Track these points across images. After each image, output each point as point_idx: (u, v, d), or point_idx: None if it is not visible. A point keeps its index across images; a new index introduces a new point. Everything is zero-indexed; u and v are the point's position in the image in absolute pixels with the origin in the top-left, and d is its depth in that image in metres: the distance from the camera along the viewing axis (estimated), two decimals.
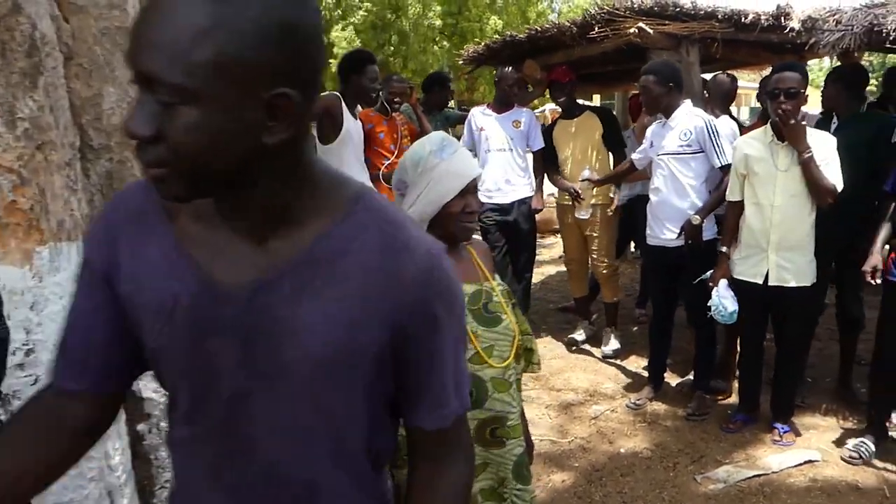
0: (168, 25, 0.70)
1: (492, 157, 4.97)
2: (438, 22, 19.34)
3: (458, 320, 0.94)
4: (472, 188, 1.68)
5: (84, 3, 2.13)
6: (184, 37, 0.69)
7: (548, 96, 5.35)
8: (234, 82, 0.71)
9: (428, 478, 0.98)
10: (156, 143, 0.75)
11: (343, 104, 4.26)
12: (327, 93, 4.38)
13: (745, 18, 4.30)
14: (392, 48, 18.53)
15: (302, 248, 0.86)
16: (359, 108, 4.52)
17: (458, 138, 3.21)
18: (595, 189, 4.69)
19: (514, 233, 5.00)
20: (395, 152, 4.72)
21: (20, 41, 1.89)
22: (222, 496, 0.91)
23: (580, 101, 5.41)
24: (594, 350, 5.09)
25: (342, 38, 17.49)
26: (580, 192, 4.68)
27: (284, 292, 0.85)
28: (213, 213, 0.87)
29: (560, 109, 5.18)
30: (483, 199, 4.84)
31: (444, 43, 19.57)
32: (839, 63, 4.43)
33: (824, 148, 3.24)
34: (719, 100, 4.68)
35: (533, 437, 2.02)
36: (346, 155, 4.28)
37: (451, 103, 7.33)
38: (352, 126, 4.31)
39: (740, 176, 3.46)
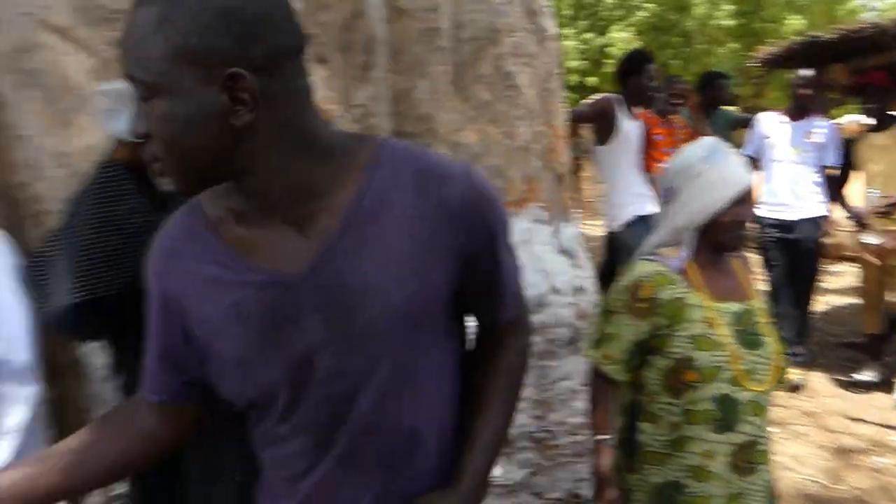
0: (132, 31, 0.79)
1: (778, 167, 4.57)
2: (729, 22, 18.09)
3: (504, 219, 0.99)
4: (744, 197, 1.59)
5: (407, 7, 2.40)
6: (141, 38, 0.78)
7: (842, 107, 4.74)
8: (187, 70, 0.78)
9: (490, 355, 1.06)
10: (148, 139, 0.84)
11: (621, 106, 4.23)
12: (604, 94, 4.39)
13: None
14: (673, 50, 17.77)
15: (341, 214, 0.89)
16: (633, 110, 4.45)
17: (738, 144, 3.01)
18: None
19: (796, 253, 4.54)
20: (672, 156, 4.56)
21: (360, 41, 2.20)
22: (334, 466, 0.96)
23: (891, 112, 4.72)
24: (884, 396, 4.44)
25: (620, 40, 17.22)
26: (872, 212, 4.10)
27: (342, 260, 0.88)
28: (252, 214, 0.91)
29: (864, 122, 4.57)
30: (765, 213, 4.47)
31: (733, 44, 18.24)
32: None
33: None
34: None
35: (800, 476, 1.84)
36: (620, 157, 4.26)
37: (733, 108, 6.86)
38: (629, 128, 4.27)
39: None
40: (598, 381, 1.69)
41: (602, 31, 16.79)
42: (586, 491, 2.80)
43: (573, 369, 2.76)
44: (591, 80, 16.26)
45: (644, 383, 1.64)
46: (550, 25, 2.81)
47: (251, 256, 0.90)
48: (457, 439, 1.01)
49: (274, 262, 0.90)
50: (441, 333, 0.97)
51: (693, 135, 4.78)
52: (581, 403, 2.77)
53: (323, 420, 0.94)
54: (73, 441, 1.01)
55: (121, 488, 2.17)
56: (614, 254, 4.19)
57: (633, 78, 4.19)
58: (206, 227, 0.93)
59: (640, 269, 1.63)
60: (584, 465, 2.81)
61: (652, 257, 1.67)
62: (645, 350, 1.62)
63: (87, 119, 1.91)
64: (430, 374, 0.97)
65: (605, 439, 1.67)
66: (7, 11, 1.81)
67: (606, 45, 16.70)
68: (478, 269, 0.96)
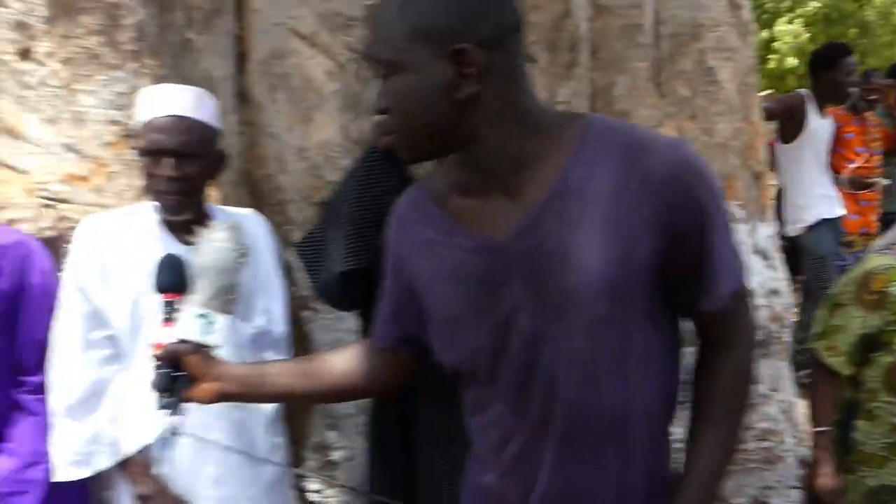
0: (378, 17, 0.91)
1: None
2: None
3: (719, 200, 0.95)
4: None
5: (609, 4, 2.44)
6: (385, 21, 0.89)
7: None
8: (421, 47, 0.86)
9: (710, 362, 1.00)
10: (387, 114, 0.93)
11: (811, 102, 4.02)
12: (793, 92, 4.19)
13: None
14: (849, 42, 16.36)
15: (548, 185, 0.92)
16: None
17: None
18: None
19: None
20: (864, 156, 4.25)
21: (566, 39, 2.27)
22: (530, 437, 0.98)
23: None
24: None
25: (787, 33, 16.12)
26: None
27: (547, 228, 0.91)
28: (470, 184, 0.97)
29: None
30: None
31: None
32: None
33: None
34: None
35: None
36: (804, 155, 4.05)
37: None
38: (818, 126, 4.04)
39: None
40: (821, 374, 1.67)
41: (767, 25, 15.79)
42: (775, 500, 2.71)
43: (764, 373, 2.67)
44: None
45: (864, 380, 1.62)
46: (750, 19, 2.74)
47: (466, 223, 0.97)
48: (662, 438, 1.01)
49: (486, 228, 0.96)
50: (643, 315, 0.95)
51: (890, 135, 4.44)
52: (772, 408, 2.68)
53: (521, 386, 0.96)
54: (309, 358, 1.22)
55: (336, 454, 2.39)
56: (792, 260, 3.97)
57: (827, 73, 3.96)
58: (430, 199, 1.02)
59: (873, 261, 1.62)
60: (772, 472, 2.72)
61: (887, 251, 1.64)
62: (869, 346, 1.59)
63: (324, 117, 2.13)
64: (631, 355, 0.95)
65: (824, 431, 1.66)
66: (264, 23, 2.06)
67: (772, 40, 15.69)
68: (685, 248, 0.92)
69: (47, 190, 1.73)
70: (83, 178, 1.75)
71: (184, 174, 1.46)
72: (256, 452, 1.59)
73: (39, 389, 1.55)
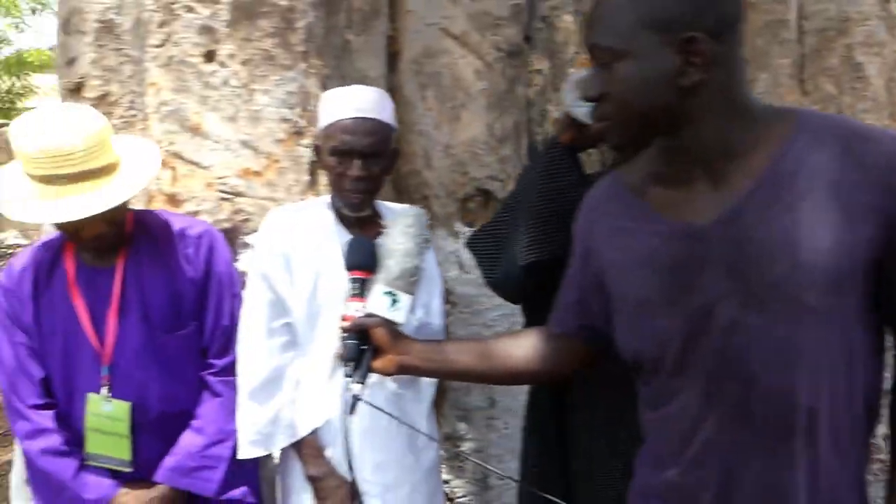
0: (604, 6, 0.94)
1: None
2: None
3: None
4: None
5: (753, 0, 2.39)
6: (612, 10, 0.92)
7: None
8: (650, 35, 0.89)
9: None
10: (601, 102, 0.96)
11: None
12: None
13: None
14: None
15: (757, 174, 0.92)
16: None
17: None
18: None
19: None
20: None
21: None
22: (721, 425, 0.96)
23: None
24: None
25: None
26: None
27: (754, 215, 0.91)
28: (669, 172, 0.99)
29: None
30: None
31: None
32: None
33: None
34: None
35: None
36: None
37: None
38: None
39: None
40: None
41: None
42: None
43: None
44: None
45: None
46: None
47: (664, 210, 0.99)
48: (861, 445, 0.97)
49: (684, 214, 0.97)
50: (852, 310, 0.91)
51: None
52: None
53: (713, 375, 0.95)
54: (485, 339, 1.29)
55: (466, 444, 2.43)
56: None
57: None
58: (625, 189, 1.06)
59: None
60: None
61: None
62: None
63: (471, 115, 2.18)
64: (835, 351, 0.91)
65: None
66: (418, 23, 2.12)
67: None
68: None
69: (225, 184, 1.84)
70: (257, 173, 1.85)
71: (369, 173, 1.52)
72: (417, 440, 1.65)
73: (225, 372, 1.64)
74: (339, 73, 2.00)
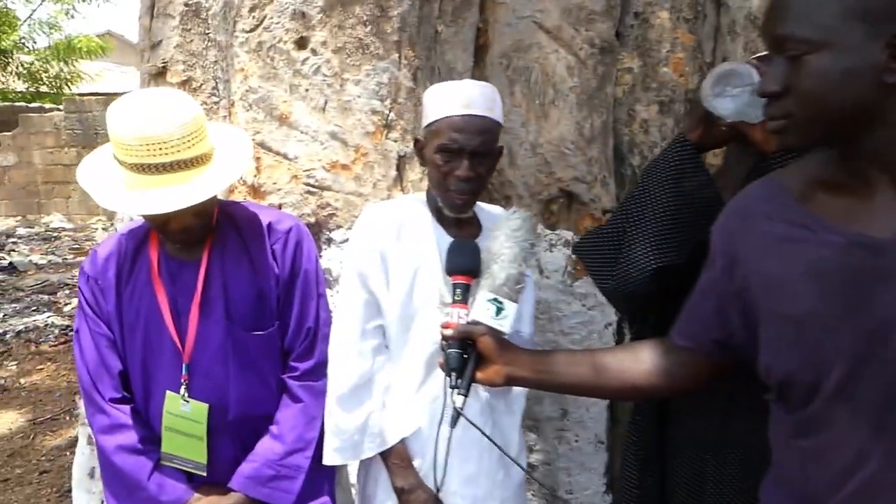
0: None
1: None
2: None
3: None
4: None
5: None
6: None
7: None
8: (855, 27, 0.82)
9: None
10: (781, 98, 0.88)
11: None
12: None
13: None
14: None
15: None
16: None
17: None
18: None
19: None
20: None
21: None
22: (887, 461, 0.88)
23: None
24: None
25: None
26: None
27: None
28: (849, 184, 0.91)
29: None
30: None
31: None
32: None
33: None
34: None
35: None
36: None
37: None
38: None
39: None
40: None
41: None
42: None
43: None
44: None
45: None
46: None
47: (833, 219, 0.91)
48: None
49: (860, 225, 0.89)
50: None
51: None
52: None
53: (884, 407, 0.87)
54: (593, 351, 1.22)
55: (534, 456, 2.34)
56: None
57: None
58: (785, 194, 0.97)
59: None
60: None
61: None
62: None
63: (560, 113, 2.08)
64: None
65: None
66: (509, 16, 2.03)
67: None
68: None
69: (312, 177, 1.76)
70: (345, 167, 1.78)
71: (476, 173, 1.44)
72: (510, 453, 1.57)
73: (307, 376, 1.57)
74: (429, 66, 1.92)
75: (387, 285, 1.50)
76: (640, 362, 1.16)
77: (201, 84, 1.87)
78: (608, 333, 2.32)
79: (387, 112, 1.81)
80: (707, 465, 1.48)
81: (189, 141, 1.34)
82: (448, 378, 1.20)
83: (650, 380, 1.15)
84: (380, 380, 1.52)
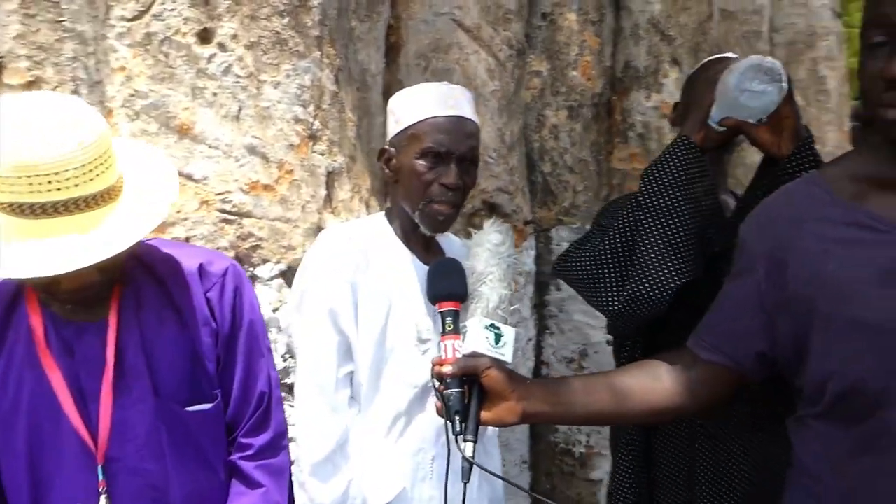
0: None
1: None
2: None
3: None
4: None
5: (733, 10, 2.38)
6: None
7: None
8: None
9: None
10: None
11: None
12: None
13: None
14: None
15: None
16: None
17: None
18: None
19: None
20: None
21: (709, 43, 2.18)
22: None
23: None
24: None
25: None
26: None
27: None
28: None
29: None
30: None
31: None
32: None
33: None
34: None
35: None
36: None
37: None
38: None
39: None
40: None
41: None
42: None
43: None
44: None
45: None
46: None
47: None
48: None
49: None
50: None
51: None
52: None
53: None
54: (606, 374, 1.08)
55: None
56: None
57: None
58: (831, 194, 0.93)
59: None
60: None
61: None
62: None
63: (481, 118, 1.91)
64: None
65: None
66: (426, 12, 1.82)
67: None
68: None
69: (228, 201, 1.43)
70: (268, 187, 1.46)
71: (464, 183, 1.25)
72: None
73: (264, 453, 1.25)
74: (347, 66, 1.66)
75: (356, 324, 1.25)
76: (660, 381, 1.06)
77: (55, 87, 1.43)
78: (529, 349, 2.22)
79: (311, 120, 1.52)
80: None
81: (92, 170, 0.96)
82: (450, 424, 1.01)
83: (675, 400, 1.05)
84: (354, 438, 1.27)
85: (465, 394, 1.03)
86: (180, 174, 1.42)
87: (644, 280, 1.25)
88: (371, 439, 1.28)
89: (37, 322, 1.12)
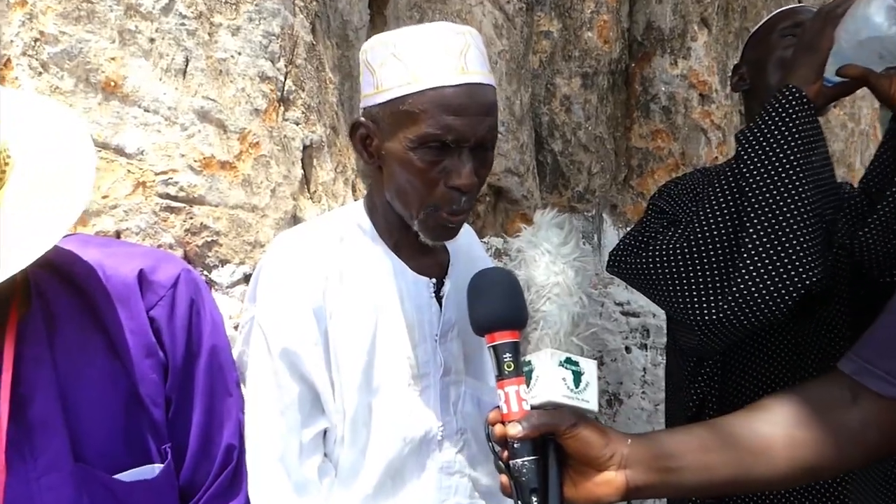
0: None
1: None
2: None
3: None
4: None
5: None
6: None
7: None
8: None
9: None
10: None
11: None
12: None
13: None
14: None
15: None
16: None
17: None
18: None
19: None
20: None
21: (739, 4, 1.89)
22: None
23: None
24: None
25: None
26: None
27: None
28: None
29: None
30: None
31: None
32: None
33: None
34: None
35: None
36: None
37: None
38: None
39: None
40: None
41: None
42: None
43: None
44: None
45: None
46: None
47: None
48: None
49: None
50: None
51: None
52: None
53: None
54: (741, 421, 0.80)
55: None
56: None
57: None
58: None
59: None
60: None
61: None
62: None
63: None
64: None
65: None
66: None
67: None
68: None
69: (173, 183, 1.07)
70: (227, 165, 1.10)
71: (479, 177, 0.91)
72: None
73: None
74: (325, 14, 1.31)
75: (329, 365, 0.93)
76: (805, 428, 0.79)
77: None
78: None
79: (281, 78, 1.17)
80: None
81: None
82: None
83: (832, 452, 0.79)
84: None
85: (541, 463, 0.75)
86: (107, 147, 1.05)
87: (758, 280, 0.94)
88: None
89: None
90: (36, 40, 1.03)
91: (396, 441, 0.95)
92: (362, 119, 0.92)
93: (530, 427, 0.74)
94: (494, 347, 0.79)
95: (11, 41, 1.04)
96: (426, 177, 0.88)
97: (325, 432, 0.95)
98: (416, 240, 0.94)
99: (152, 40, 1.06)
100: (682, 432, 0.84)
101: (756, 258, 0.93)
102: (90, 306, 0.84)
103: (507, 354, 0.79)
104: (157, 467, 0.86)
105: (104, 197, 1.04)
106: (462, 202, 0.90)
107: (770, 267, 0.92)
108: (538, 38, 1.80)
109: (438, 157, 0.87)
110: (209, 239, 1.10)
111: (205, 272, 1.10)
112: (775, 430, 0.79)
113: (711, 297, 0.98)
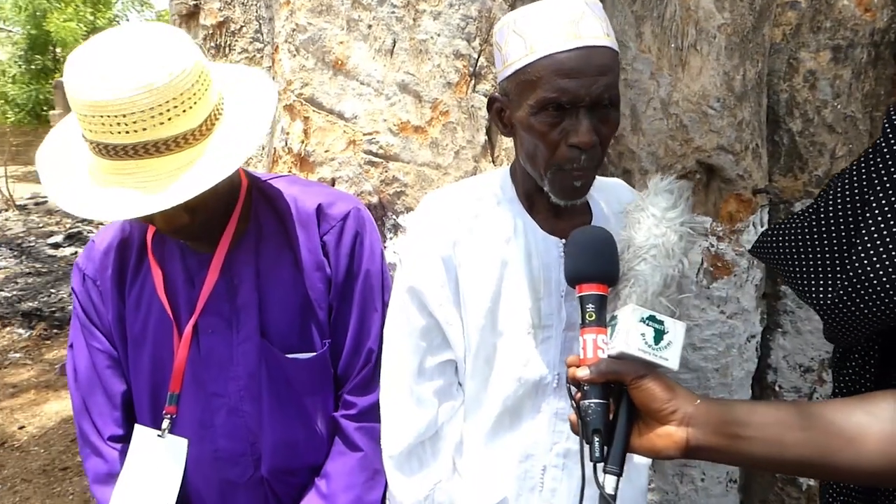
0: None
1: None
2: None
3: None
4: None
5: None
6: None
7: None
8: None
9: None
10: None
11: None
12: None
13: None
14: None
15: None
16: None
17: None
18: None
19: None
20: None
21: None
22: None
23: None
24: None
25: None
26: None
27: None
28: None
29: None
30: None
31: None
32: None
33: None
34: None
35: None
36: None
37: None
38: None
39: None
40: None
41: None
42: None
43: None
44: None
45: None
46: None
47: None
48: None
49: None
50: None
51: None
52: None
53: None
54: (835, 405, 0.77)
55: (649, 496, 1.87)
56: None
57: None
58: None
59: None
60: None
61: None
62: None
63: (702, 59, 1.56)
64: None
65: None
66: None
67: None
68: None
69: (375, 142, 1.33)
70: (419, 129, 1.33)
71: (602, 135, 0.95)
72: None
73: (366, 415, 1.15)
74: None
75: (456, 305, 1.06)
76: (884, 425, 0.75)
77: (241, 27, 1.46)
78: (750, 348, 1.81)
79: (475, 56, 1.34)
80: None
81: (163, 114, 0.89)
82: (588, 446, 0.81)
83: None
84: (449, 434, 1.11)
85: (610, 408, 0.82)
86: (332, 112, 1.35)
87: (875, 260, 0.87)
88: (472, 438, 1.10)
89: (156, 257, 1.14)
90: (293, 30, 1.37)
91: (512, 381, 1.06)
92: (496, 94, 1.03)
93: (597, 372, 0.81)
94: (581, 297, 0.87)
95: (279, 32, 1.39)
96: (548, 138, 0.95)
97: (454, 365, 1.10)
98: (549, 202, 1.02)
99: (370, 26, 1.32)
100: (763, 405, 0.83)
101: (874, 237, 0.85)
102: (285, 228, 1.13)
103: (591, 305, 0.86)
104: (314, 354, 1.12)
105: (326, 151, 1.35)
106: (583, 160, 0.94)
107: (883, 253, 0.83)
108: (782, 10, 1.68)
109: (557, 118, 0.93)
110: (399, 189, 1.33)
111: (393, 216, 1.34)
112: (873, 421, 0.76)
113: (825, 279, 0.91)
